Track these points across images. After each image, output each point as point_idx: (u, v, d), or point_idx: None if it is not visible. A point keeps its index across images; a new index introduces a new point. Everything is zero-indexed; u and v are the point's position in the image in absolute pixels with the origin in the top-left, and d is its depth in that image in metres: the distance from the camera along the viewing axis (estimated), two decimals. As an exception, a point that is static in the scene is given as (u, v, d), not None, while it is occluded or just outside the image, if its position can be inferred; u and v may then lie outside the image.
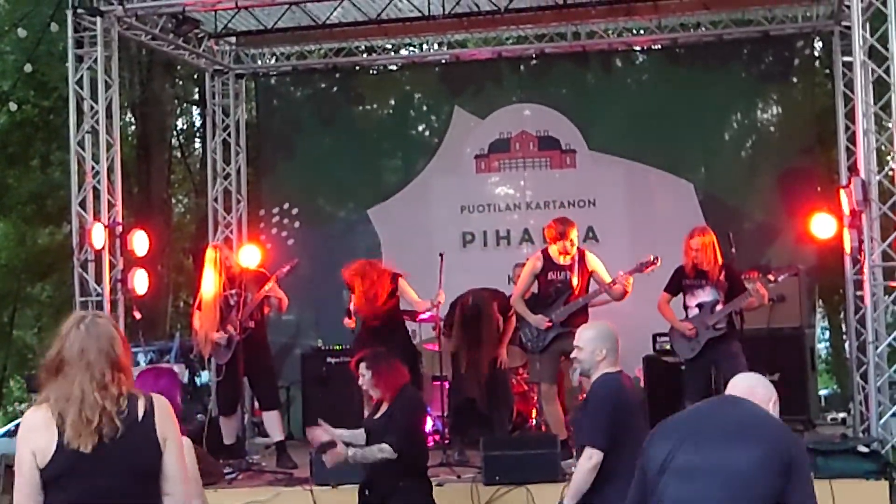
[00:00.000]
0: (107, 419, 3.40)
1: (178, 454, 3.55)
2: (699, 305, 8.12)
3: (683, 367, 8.38)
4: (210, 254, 8.65)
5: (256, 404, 9.60)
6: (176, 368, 10.09)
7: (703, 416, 3.69)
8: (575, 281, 8.15)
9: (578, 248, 8.37)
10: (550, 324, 8.14)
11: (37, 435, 3.40)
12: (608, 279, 8.17)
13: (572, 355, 5.34)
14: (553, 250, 8.22)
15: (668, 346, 9.22)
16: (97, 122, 9.38)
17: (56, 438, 3.37)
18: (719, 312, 8.00)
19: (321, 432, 6.20)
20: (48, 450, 3.37)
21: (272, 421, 8.74)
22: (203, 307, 8.54)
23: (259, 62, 12.07)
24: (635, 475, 3.68)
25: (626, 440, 4.92)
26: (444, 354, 8.78)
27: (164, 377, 5.05)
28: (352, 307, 8.61)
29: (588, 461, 5.01)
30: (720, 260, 8.10)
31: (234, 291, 8.54)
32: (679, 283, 8.23)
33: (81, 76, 9.45)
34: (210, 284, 8.50)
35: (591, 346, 5.19)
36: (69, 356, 3.46)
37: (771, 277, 7.98)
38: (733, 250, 8.28)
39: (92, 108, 9.39)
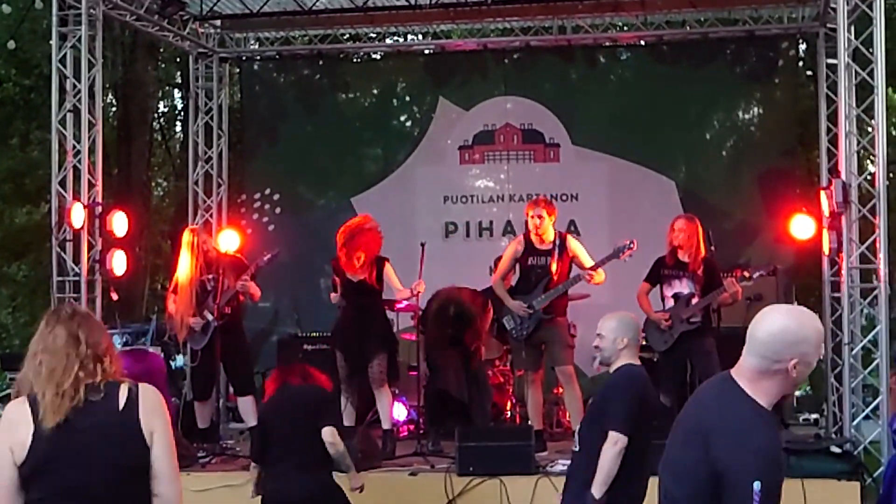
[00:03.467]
0: (82, 393, 3.23)
1: (167, 450, 3.29)
2: (675, 296, 8.15)
3: (657, 360, 8.39)
4: (186, 237, 8.61)
5: (231, 389, 9.58)
6: (151, 350, 10.06)
7: (687, 409, 3.37)
8: (554, 266, 8.14)
9: (561, 233, 8.36)
10: (531, 311, 8.11)
11: (15, 428, 3.22)
12: (589, 265, 8.15)
13: (594, 343, 5.27)
14: (534, 235, 8.21)
15: (643, 342, 9.23)
16: (79, 101, 9.30)
17: (33, 429, 3.19)
18: (694, 306, 8.03)
19: None
20: (26, 442, 3.18)
21: (247, 406, 8.74)
22: (178, 291, 8.51)
23: (243, 46, 11.99)
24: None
25: (639, 435, 4.93)
26: (421, 345, 8.77)
27: (148, 360, 4.93)
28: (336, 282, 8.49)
29: (613, 446, 4.90)
30: (703, 251, 8.12)
31: (211, 276, 8.52)
32: (658, 273, 8.25)
33: (65, 55, 9.37)
34: (185, 268, 8.47)
35: (613, 334, 5.15)
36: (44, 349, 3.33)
37: (746, 274, 8.01)
38: (712, 248, 8.31)
39: (74, 86, 9.32)
